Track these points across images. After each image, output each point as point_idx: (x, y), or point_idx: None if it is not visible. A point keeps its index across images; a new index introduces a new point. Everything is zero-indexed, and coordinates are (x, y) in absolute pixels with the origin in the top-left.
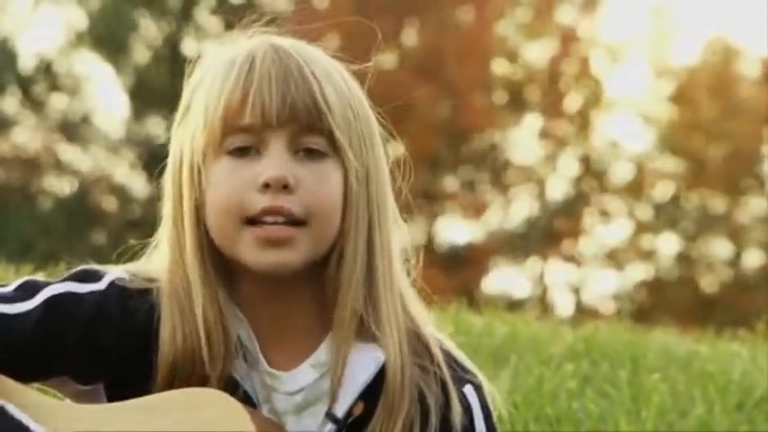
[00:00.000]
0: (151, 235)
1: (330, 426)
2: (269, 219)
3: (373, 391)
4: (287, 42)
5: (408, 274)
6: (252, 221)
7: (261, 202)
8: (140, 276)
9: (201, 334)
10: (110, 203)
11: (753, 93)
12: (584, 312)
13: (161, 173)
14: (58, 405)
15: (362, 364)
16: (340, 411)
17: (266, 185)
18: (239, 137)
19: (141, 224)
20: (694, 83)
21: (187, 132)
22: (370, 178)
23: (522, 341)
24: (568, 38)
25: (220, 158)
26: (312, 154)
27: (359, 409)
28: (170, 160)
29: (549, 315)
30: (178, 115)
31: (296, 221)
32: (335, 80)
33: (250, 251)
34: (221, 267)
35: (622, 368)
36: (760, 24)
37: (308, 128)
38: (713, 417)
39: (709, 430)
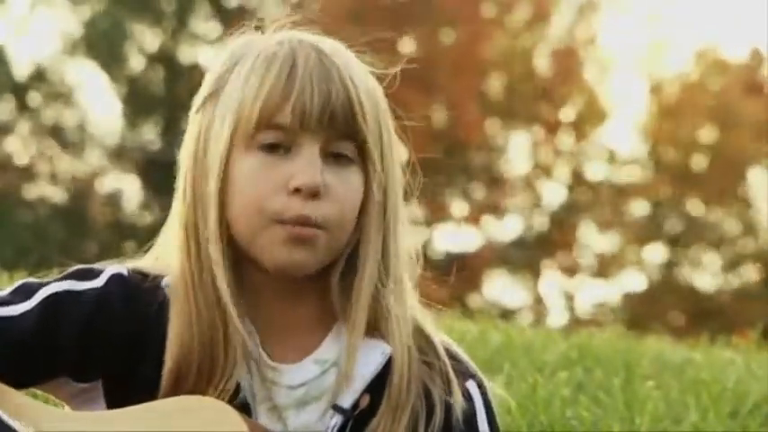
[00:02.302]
0: (145, 242)
1: (337, 418)
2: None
3: (379, 384)
4: (326, 44)
5: (411, 277)
6: (279, 221)
7: (290, 207)
8: (143, 270)
9: (219, 327)
10: (104, 211)
11: (743, 103)
12: (577, 322)
13: (156, 181)
14: (50, 410)
15: (370, 358)
16: (346, 403)
17: (297, 190)
18: (273, 134)
19: (135, 231)
20: (684, 93)
21: (214, 119)
22: (389, 184)
23: (516, 349)
24: (562, 49)
25: (249, 152)
26: (340, 159)
27: (365, 402)
28: (189, 145)
29: (543, 324)
30: (198, 98)
31: (318, 226)
32: (369, 88)
33: (272, 249)
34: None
35: (616, 375)
36: (749, 36)
37: (343, 134)
38: (707, 424)
39: None
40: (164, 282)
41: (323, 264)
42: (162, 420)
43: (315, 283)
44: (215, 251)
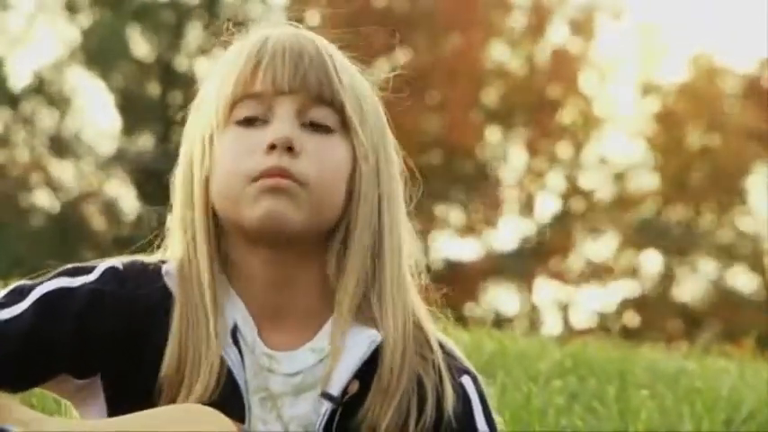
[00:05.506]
0: (140, 251)
1: (326, 405)
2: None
3: (369, 370)
4: (305, 31)
5: (414, 276)
6: (255, 180)
7: (266, 162)
8: (143, 261)
9: (210, 316)
10: (99, 220)
11: (737, 109)
12: (571, 331)
13: (151, 190)
14: (48, 420)
15: (359, 343)
16: (335, 390)
17: (272, 147)
18: (249, 105)
19: (131, 240)
20: (679, 100)
21: (199, 118)
22: (380, 165)
23: (510, 358)
24: (558, 56)
25: (229, 129)
26: (320, 128)
27: (354, 388)
28: (184, 143)
29: (537, 332)
30: (193, 108)
31: (297, 181)
32: (351, 71)
33: (251, 206)
34: (223, 248)
35: (610, 384)
36: (743, 41)
37: (318, 98)
38: None
39: None
40: (164, 269)
41: (309, 227)
42: (159, 428)
43: (312, 270)
44: (201, 242)
